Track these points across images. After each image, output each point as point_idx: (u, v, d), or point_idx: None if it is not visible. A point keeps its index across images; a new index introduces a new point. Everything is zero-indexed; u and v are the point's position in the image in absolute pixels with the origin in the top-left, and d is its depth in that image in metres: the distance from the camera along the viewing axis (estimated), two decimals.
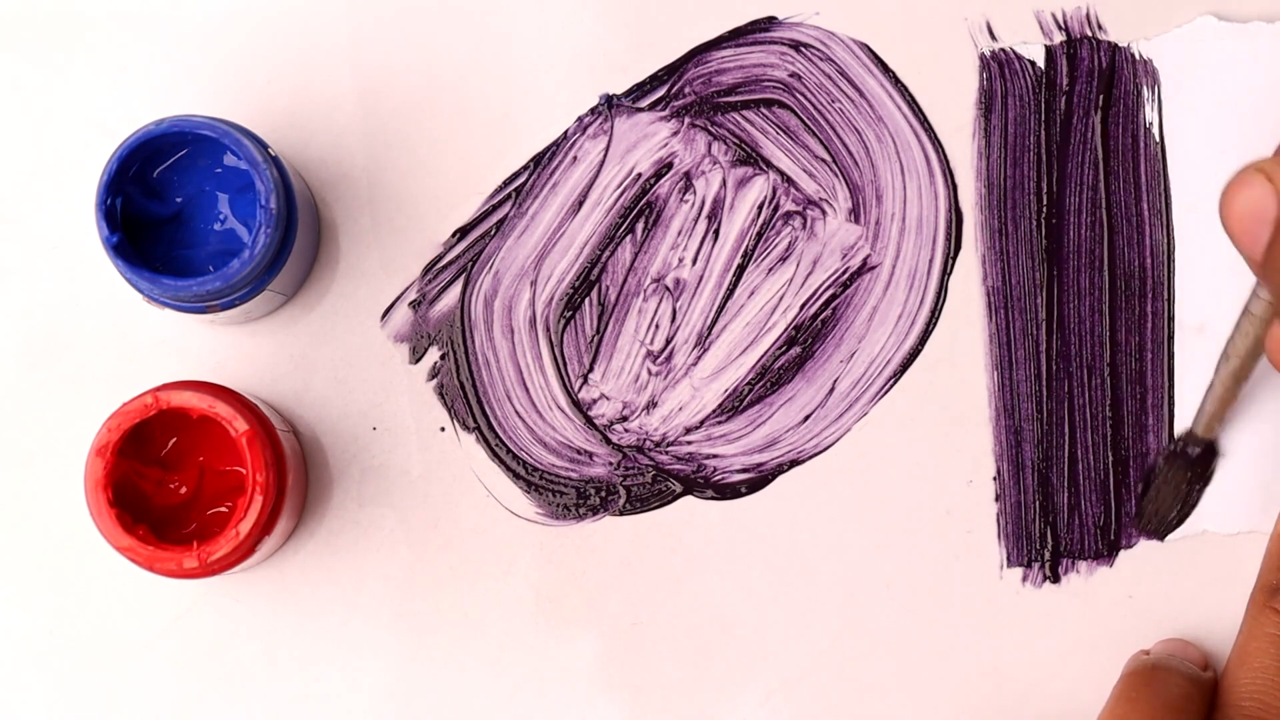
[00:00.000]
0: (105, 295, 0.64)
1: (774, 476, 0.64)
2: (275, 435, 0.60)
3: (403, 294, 0.64)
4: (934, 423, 0.64)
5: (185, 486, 0.61)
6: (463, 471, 0.64)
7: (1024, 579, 0.63)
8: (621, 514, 0.64)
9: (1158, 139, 0.64)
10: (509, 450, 0.64)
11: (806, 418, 0.64)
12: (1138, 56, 0.64)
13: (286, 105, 0.64)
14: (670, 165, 0.64)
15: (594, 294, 0.64)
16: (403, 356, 0.64)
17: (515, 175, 0.64)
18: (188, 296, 0.59)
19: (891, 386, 0.64)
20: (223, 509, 0.61)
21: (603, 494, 0.64)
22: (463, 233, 0.64)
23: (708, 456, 0.64)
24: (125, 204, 0.60)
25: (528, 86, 0.64)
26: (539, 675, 0.63)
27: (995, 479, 0.64)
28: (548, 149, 0.64)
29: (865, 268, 0.64)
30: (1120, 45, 0.64)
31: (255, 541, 0.59)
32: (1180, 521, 0.63)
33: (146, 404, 0.59)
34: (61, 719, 0.63)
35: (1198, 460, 0.62)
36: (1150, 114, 0.64)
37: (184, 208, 0.61)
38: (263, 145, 0.60)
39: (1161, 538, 0.63)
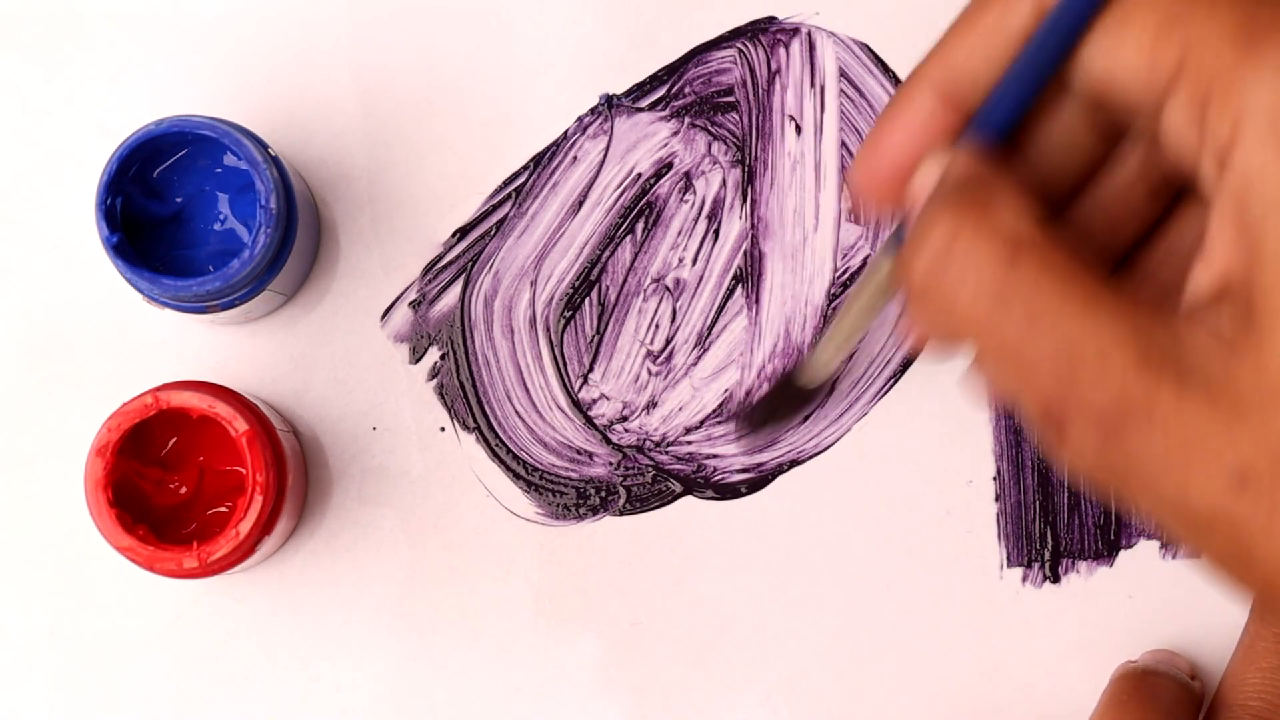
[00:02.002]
0: (105, 295, 0.64)
1: (774, 476, 0.64)
2: (275, 435, 0.60)
3: (403, 294, 0.64)
4: (934, 423, 0.64)
5: (185, 486, 0.61)
6: (463, 471, 0.64)
7: (1024, 579, 0.63)
8: (621, 514, 0.64)
9: None
10: (509, 450, 0.64)
11: (806, 418, 0.64)
12: None
13: (286, 105, 0.64)
14: (670, 165, 0.64)
15: (594, 294, 0.64)
16: (403, 356, 0.64)
17: (515, 175, 0.64)
18: (188, 296, 0.59)
19: (891, 386, 0.64)
20: (223, 509, 0.61)
21: (603, 494, 0.64)
22: (463, 233, 0.64)
23: (708, 456, 0.64)
24: (125, 204, 0.60)
25: (528, 86, 0.64)
26: (539, 675, 0.63)
27: (995, 479, 0.64)
28: (548, 149, 0.64)
29: (865, 267, 0.64)
30: None
31: (255, 541, 0.59)
32: (769, 432, 0.63)
33: (146, 404, 0.59)
34: (61, 719, 0.63)
35: (813, 393, 0.61)
36: None
37: (184, 208, 0.61)
38: (263, 145, 0.60)
39: (753, 438, 0.63)
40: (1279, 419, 0.39)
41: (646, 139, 0.64)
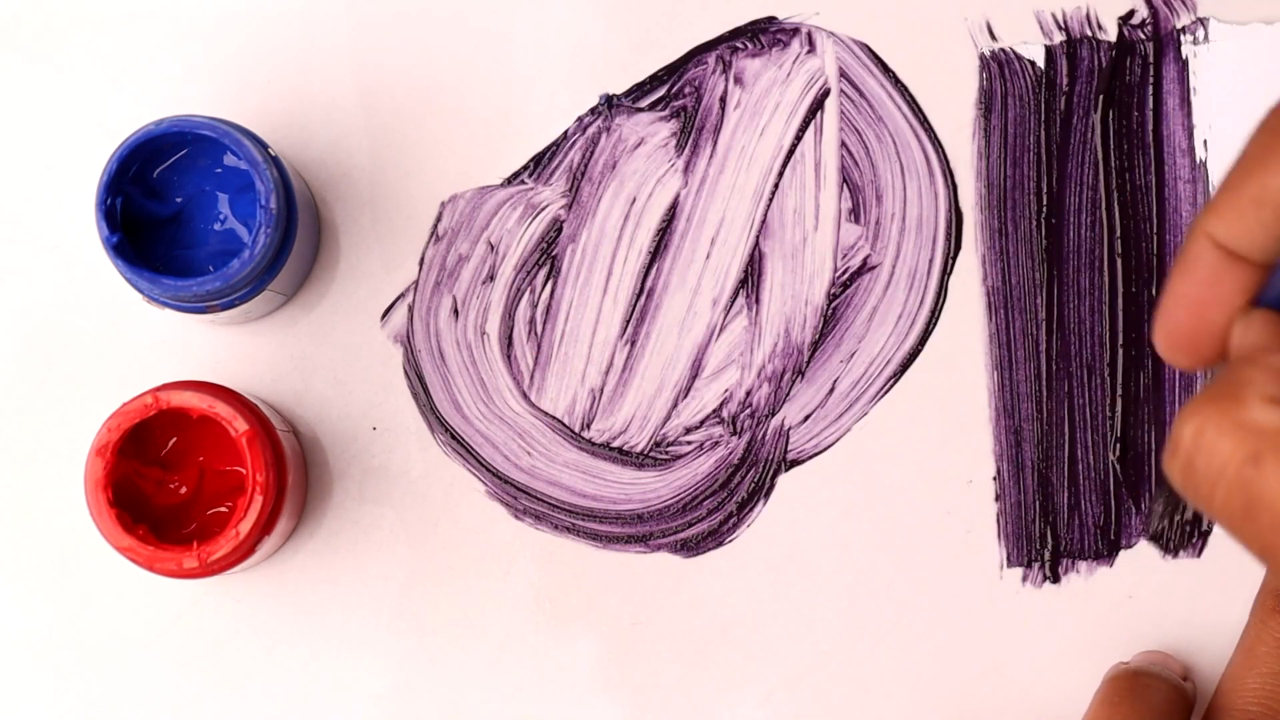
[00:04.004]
0: (105, 295, 0.64)
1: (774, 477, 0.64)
2: (275, 435, 0.60)
3: (403, 294, 0.64)
4: (934, 423, 0.64)
5: (185, 486, 0.61)
6: (462, 471, 0.64)
7: (1024, 579, 0.63)
8: None
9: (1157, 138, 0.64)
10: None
11: (806, 418, 0.64)
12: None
13: (286, 105, 0.64)
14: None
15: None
16: (403, 356, 0.64)
17: (515, 175, 0.64)
18: (188, 296, 0.59)
19: (891, 386, 0.64)
20: (223, 509, 0.61)
21: None
22: None
23: None
24: (125, 204, 0.60)
25: (528, 86, 0.64)
26: (539, 675, 0.63)
27: (995, 479, 0.64)
28: (548, 149, 0.64)
29: (865, 268, 0.64)
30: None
31: (255, 541, 0.59)
32: (1181, 530, 0.57)
33: (146, 404, 0.59)
34: (61, 719, 0.63)
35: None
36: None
37: (184, 208, 0.61)
38: (263, 145, 0.60)
39: (1166, 548, 0.59)
40: None
41: (647, 139, 0.64)
